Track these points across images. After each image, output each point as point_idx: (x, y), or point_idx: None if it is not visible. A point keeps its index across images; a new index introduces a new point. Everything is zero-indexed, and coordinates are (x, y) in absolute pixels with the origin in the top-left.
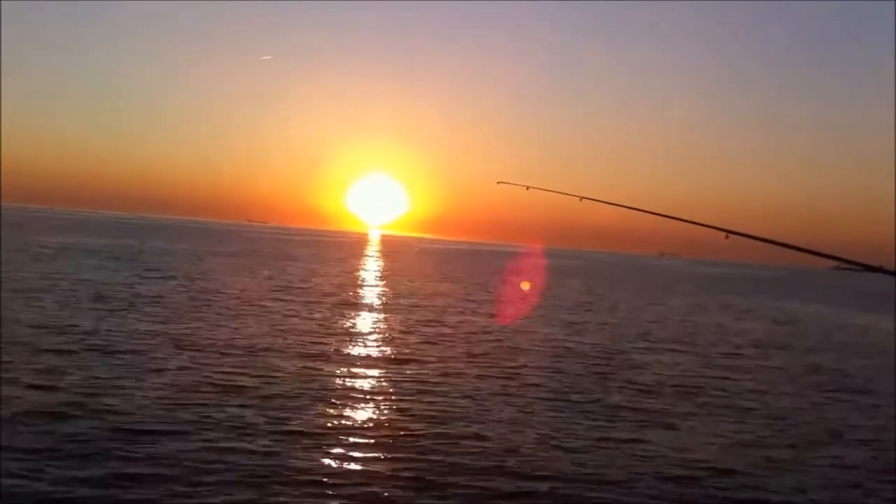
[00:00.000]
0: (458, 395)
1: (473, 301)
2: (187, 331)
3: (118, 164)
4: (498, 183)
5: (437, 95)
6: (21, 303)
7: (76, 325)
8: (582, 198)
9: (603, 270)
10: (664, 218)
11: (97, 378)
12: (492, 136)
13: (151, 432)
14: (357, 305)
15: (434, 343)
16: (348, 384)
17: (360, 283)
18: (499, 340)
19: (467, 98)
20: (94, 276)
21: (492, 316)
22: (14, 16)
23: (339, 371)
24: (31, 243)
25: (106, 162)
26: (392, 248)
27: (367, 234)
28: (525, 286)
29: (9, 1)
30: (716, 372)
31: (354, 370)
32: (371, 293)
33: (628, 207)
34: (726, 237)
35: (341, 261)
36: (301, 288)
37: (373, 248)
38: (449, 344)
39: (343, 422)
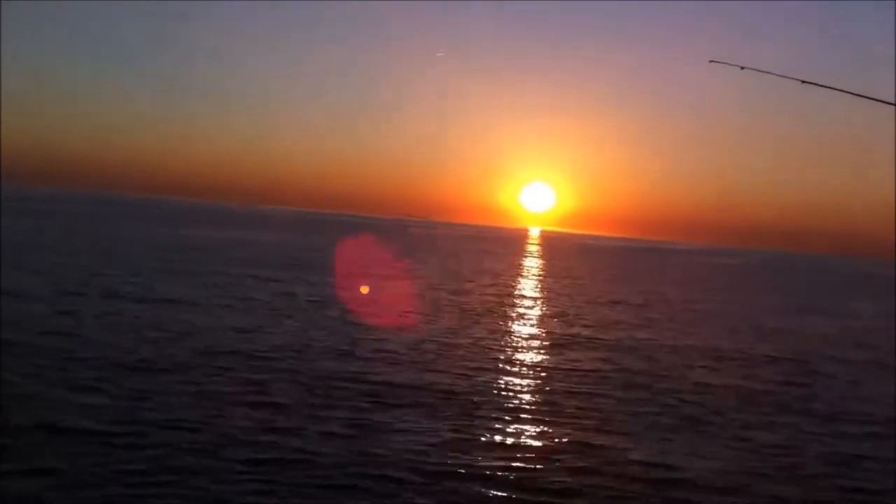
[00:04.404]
0: None
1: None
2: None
3: (294, 159)
4: (710, 62)
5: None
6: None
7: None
8: (804, 81)
9: (798, 272)
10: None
11: None
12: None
13: None
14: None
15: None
16: None
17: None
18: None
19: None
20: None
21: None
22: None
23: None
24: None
25: (283, 158)
26: (569, 246)
27: (525, 229)
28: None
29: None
30: None
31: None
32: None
33: (857, 95)
34: None
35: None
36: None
37: (560, 247)
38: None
39: None
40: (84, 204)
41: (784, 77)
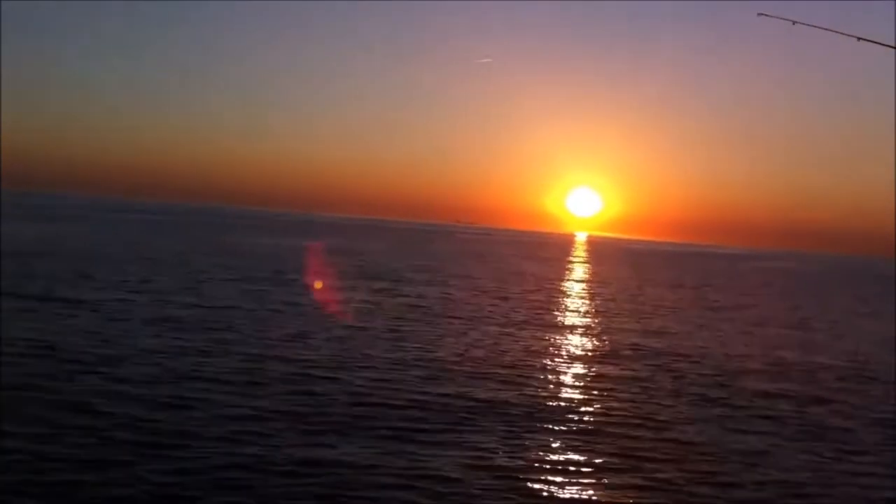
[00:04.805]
0: None
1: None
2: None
3: (335, 166)
4: (758, 14)
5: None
6: None
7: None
8: (860, 38)
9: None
10: None
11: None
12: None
13: None
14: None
15: None
16: None
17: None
18: None
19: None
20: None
21: None
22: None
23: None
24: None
25: (327, 163)
26: (618, 252)
27: (572, 234)
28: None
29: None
30: None
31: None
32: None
33: None
34: None
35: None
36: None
37: (607, 252)
38: None
39: None
40: (105, 210)
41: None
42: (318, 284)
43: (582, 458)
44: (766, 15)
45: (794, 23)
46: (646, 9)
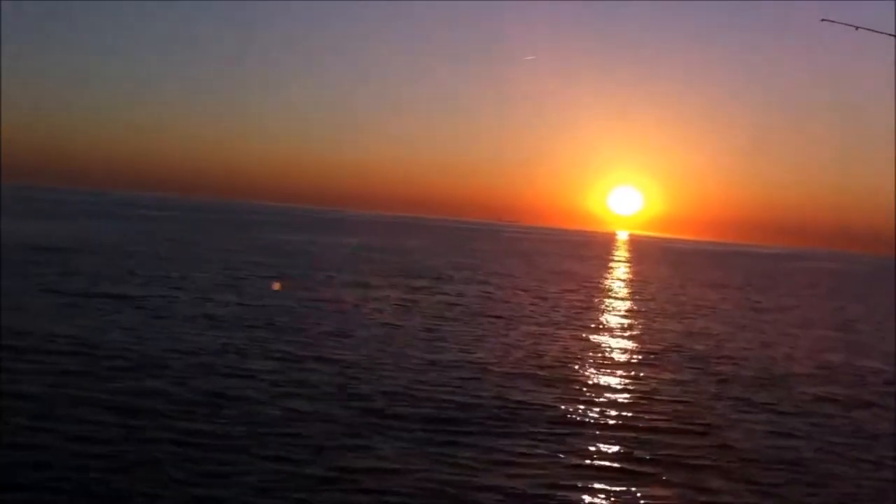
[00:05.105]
0: None
1: None
2: None
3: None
4: (822, 21)
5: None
6: None
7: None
8: None
9: None
10: None
11: None
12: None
13: None
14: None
15: None
16: None
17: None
18: None
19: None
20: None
21: None
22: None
23: None
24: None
25: (370, 161)
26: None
27: (613, 233)
28: None
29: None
30: None
31: None
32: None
33: None
34: None
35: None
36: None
37: (656, 252)
38: None
39: None
40: (128, 206)
41: None
42: (356, 282)
43: (622, 465)
44: (829, 21)
45: (857, 28)
46: (693, 8)
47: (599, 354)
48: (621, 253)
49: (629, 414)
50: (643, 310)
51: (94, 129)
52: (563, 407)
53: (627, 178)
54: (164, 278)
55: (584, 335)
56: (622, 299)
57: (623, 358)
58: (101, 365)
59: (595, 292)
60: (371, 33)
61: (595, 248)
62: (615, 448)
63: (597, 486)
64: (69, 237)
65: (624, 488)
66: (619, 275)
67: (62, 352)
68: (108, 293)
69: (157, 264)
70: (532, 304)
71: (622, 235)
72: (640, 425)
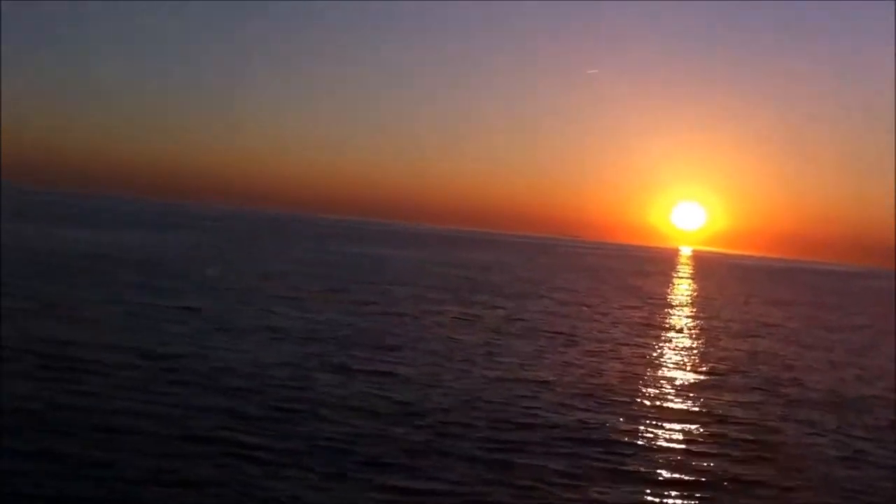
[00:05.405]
0: None
1: None
2: None
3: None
4: None
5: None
6: None
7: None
8: None
9: None
10: None
11: None
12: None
13: None
14: None
15: None
16: None
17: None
18: None
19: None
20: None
21: None
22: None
23: None
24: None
25: (427, 174)
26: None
27: (676, 249)
28: None
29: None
30: None
31: None
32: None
33: None
34: None
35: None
36: None
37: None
38: None
39: None
40: (177, 216)
41: None
42: (418, 295)
43: (685, 490)
44: None
45: None
46: (756, 20)
47: (661, 374)
48: (684, 269)
49: (691, 437)
50: (707, 328)
51: (139, 136)
52: (622, 428)
53: (691, 194)
54: (230, 290)
55: (645, 354)
56: (685, 317)
57: (686, 378)
58: (162, 378)
59: (658, 309)
60: (430, 49)
61: (658, 264)
62: (677, 475)
63: None
64: (134, 247)
65: None
66: (682, 291)
67: (124, 364)
68: (177, 305)
69: (225, 275)
70: (594, 321)
71: (685, 251)
72: (703, 449)
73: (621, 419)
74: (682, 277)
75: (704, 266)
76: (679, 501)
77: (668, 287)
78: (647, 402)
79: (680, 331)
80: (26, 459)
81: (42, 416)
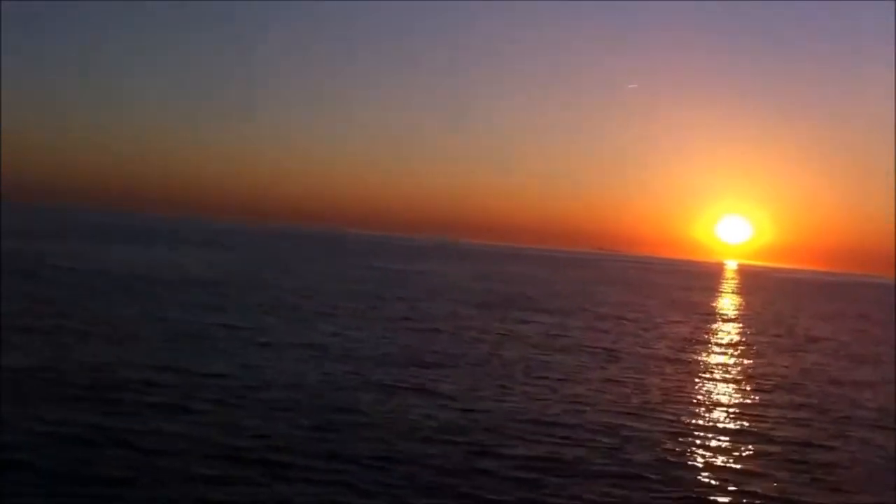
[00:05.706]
0: None
1: None
2: None
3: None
4: None
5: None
6: None
7: None
8: None
9: None
10: None
11: None
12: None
13: None
14: None
15: None
16: None
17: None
18: None
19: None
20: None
21: None
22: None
23: None
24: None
25: (469, 190)
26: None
27: (722, 263)
28: None
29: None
30: None
31: None
32: None
33: None
34: None
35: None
36: None
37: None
38: None
39: None
40: (222, 233)
41: None
42: (457, 312)
43: None
44: None
45: None
46: (798, 29)
47: (706, 391)
48: (729, 283)
49: (737, 456)
50: (753, 343)
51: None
52: (667, 447)
53: (736, 207)
54: (271, 307)
55: (690, 370)
56: (731, 332)
57: (732, 395)
58: (201, 397)
59: (702, 323)
60: (471, 64)
61: (702, 278)
62: (723, 498)
63: None
64: (174, 266)
65: None
66: (727, 305)
67: (164, 384)
68: (221, 322)
69: (265, 293)
70: (637, 336)
71: (731, 265)
72: (750, 467)
73: (664, 438)
74: (727, 291)
75: (750, 280)
76: None
77: (714, 301)
78: (692, 420)
79: (726, 346)
80: (72, 483)
81: (82, 438)
